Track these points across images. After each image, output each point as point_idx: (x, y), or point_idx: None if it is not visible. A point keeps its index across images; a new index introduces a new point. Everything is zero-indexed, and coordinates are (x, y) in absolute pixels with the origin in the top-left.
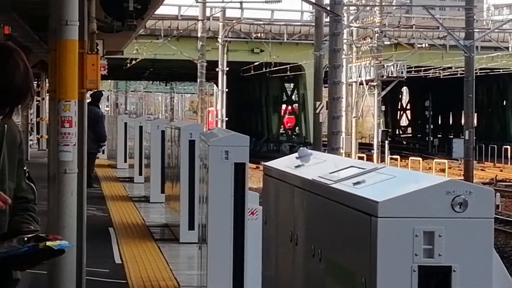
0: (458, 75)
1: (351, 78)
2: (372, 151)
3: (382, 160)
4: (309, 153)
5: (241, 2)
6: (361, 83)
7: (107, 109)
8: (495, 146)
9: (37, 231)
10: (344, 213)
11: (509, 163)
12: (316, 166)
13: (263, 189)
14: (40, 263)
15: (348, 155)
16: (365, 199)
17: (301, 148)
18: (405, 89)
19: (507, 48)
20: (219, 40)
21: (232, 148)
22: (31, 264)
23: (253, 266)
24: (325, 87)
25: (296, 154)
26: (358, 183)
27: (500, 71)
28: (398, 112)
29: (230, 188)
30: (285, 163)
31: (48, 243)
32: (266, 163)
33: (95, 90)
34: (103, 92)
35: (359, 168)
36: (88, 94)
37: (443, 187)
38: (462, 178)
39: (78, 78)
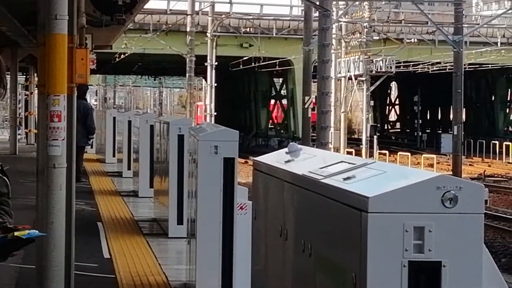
0: (447, 70)
1: (340, 73)
2: (361, 146)
3: (371, 155)
4: (299, 148)
5: None
6: (350, 78)
7: (95, 103)
8: (484, 141)
9: (4, 223)
10: (334, 208)
11: (497, 158)
12: (306, 161)
13: (252, 184)
14: (11, 253)
15: (337, 150)
16: (356, 194)
17: (291, 143)
18: (394, 84)
19: (496, 43)
20: (208, 34)
21: (222, 143)
22: (2, 255)
23: (242, 261)
24: (314, 82)
25: (286, 149)
26: (348, 178)
27: (488, 67)
28: (387, 107)
29: (219, 183)
30: (274, 158)
31: (16, 233)
32: (256, 158)
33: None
34: (90, 86)
35: (349, 163)
36: None
37: (433, 182)
38: (451, 173)
39: (67, 73)
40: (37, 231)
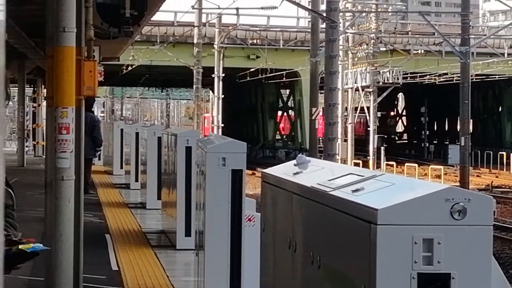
0: (454, 81)
1: (347, 84)
2: (368, 157)
3: (378, 166)
4: (307, 160)
5: (237, 9)
6: (357, 90)
7: (102, 115)
8: (491, 152)
9: (9, 235)
10: (343, 220)
11: (504, 169)
12: (315, 173)
13: (261, 196)
14: (15, 267)
15: (344, 161)
16: (365, 206)
17: (299, 155)
18: (400, 95)
19: (503, 54)
20: (215, 46)
21: (229, 154)
22: (6, 268)
23: (250, 273)
24: (321, 93)
25: (294, 161)
26: (357, 190)
27: (495, 77)
28: (394, 118)
29: (227, 195)
30: (283, 170)
31: (20, 246)
32: (264, 170)
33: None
34: (97, 98)
35: (357, 175)
36: None
37: (442, 194)
38: (458, 184)
39: (76, 85)
40: (41, 245)
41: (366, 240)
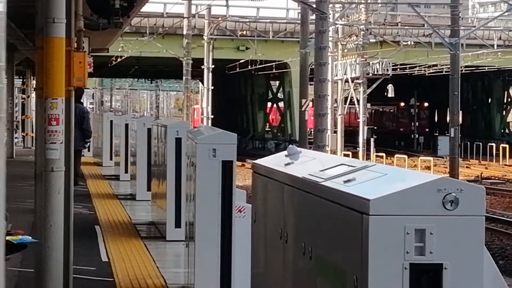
0: (444, 73)
1: (336, 75)
2: (358, 148)
3: (368, 157)
4: (298, 151)
5: (226, 0)
6: (346, 81)
7: (91, 106)
8: (480, 143)
9: None
10: (335, 211)
11: (494, 161)
12: (306, 164)
13: (252, 187)
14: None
15: (334, 152)
16: (357, 197)
17: (290, 145)
18: (390, 87)
19: (492, 45)
20: (205, 37)
21: (220, 146)
22: None
23: (240, 264)
24: (310, 84)
25: (285, 152)
26: (349, 181)
27: (485, 69)
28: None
29: (218, 186)
30: (274, 161)
31: (8, 238)
32: (255, 161)
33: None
34: (87, 89)
35: (349, 166)
36: None
37: (434, 185)
38: (448, 175)
39: (65, 76)
40: (30, 237)
41: (358, 231)
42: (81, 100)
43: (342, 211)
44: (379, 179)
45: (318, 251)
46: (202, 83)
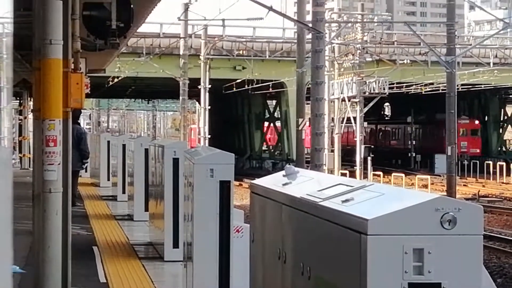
0: (440, 91)
1: (333, 94)
2: (355, 167)
3: (365, 176)
4: (296, 171)
5: (223, 20)
6: (343, 100)
7: (88, 127)
8: (477, 161)
9: None
10: (333, 230)
11: (491, 179)
12: (304, 184)
13: (250, 207)
14: None
15: (331, 171)
16: (355, 216)
17: (287, 165)
18: (387, 105)
19: (488, 63)
20: (201, 57)
21: (217, 166)
22: None
23: (239, 284)
24: (307, 103)
25: (283, 172)
26: (347, 200)
27: (481, 87)
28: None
29: (215, 206)
30: (272, 181)
31: None
32: (253, 181)
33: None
34: (84, 110)
35: (347, 185)
36: None
37: (432, 204)
38: (445, 193)
39: (63, 97)
40: (17, 267)
41: (356, 251)
42: (78, 121)
43: (340, 231)
44: (377, 198)
45: (317, 271)
46: (199, 103)
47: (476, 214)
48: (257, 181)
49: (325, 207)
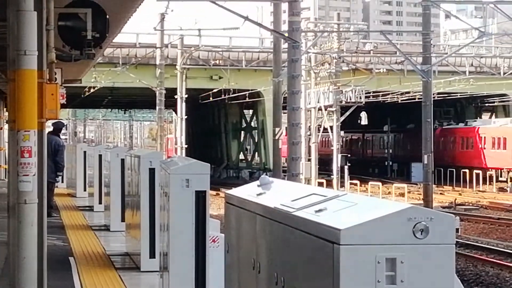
0: (416, 100)
1: (310, 103)
2: (332, 176)
3: (342, 185)
4: (270, 181)
5: (199, 30)
6: (320, 109)
7: (64, 137)
8: (454, 170)
9: None
10: (307, 240)
11: (468, 187)
12: (278, 194)
13: (225, 217)
14: None
15: (308, 180)
16: (328, 226)
17: (262, 176)
18: (363, 114)
19: (464, 72)
20: (178, 67)
21: (193, 176)
22: None
23: None
24: (284, 113)
25: (257, 182)
26: (320, 210)
27: (457, 95)
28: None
29: (191, 216)
30: (246, 191)
31: None
32: (228, 191)
33: (57, 120)
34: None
35: (320, 195)
36: (49, 123)
37: (404, 214)
38: (422, 202)
39: (38, 108)
40: None
41: (329, 260)
42: (59, 133)
43: (314, 241)
44: (350, 208)
45: (290, 281)
46: (176, 113)
47: (448, 223)
48: (232, 191)
49: (298, 217)
